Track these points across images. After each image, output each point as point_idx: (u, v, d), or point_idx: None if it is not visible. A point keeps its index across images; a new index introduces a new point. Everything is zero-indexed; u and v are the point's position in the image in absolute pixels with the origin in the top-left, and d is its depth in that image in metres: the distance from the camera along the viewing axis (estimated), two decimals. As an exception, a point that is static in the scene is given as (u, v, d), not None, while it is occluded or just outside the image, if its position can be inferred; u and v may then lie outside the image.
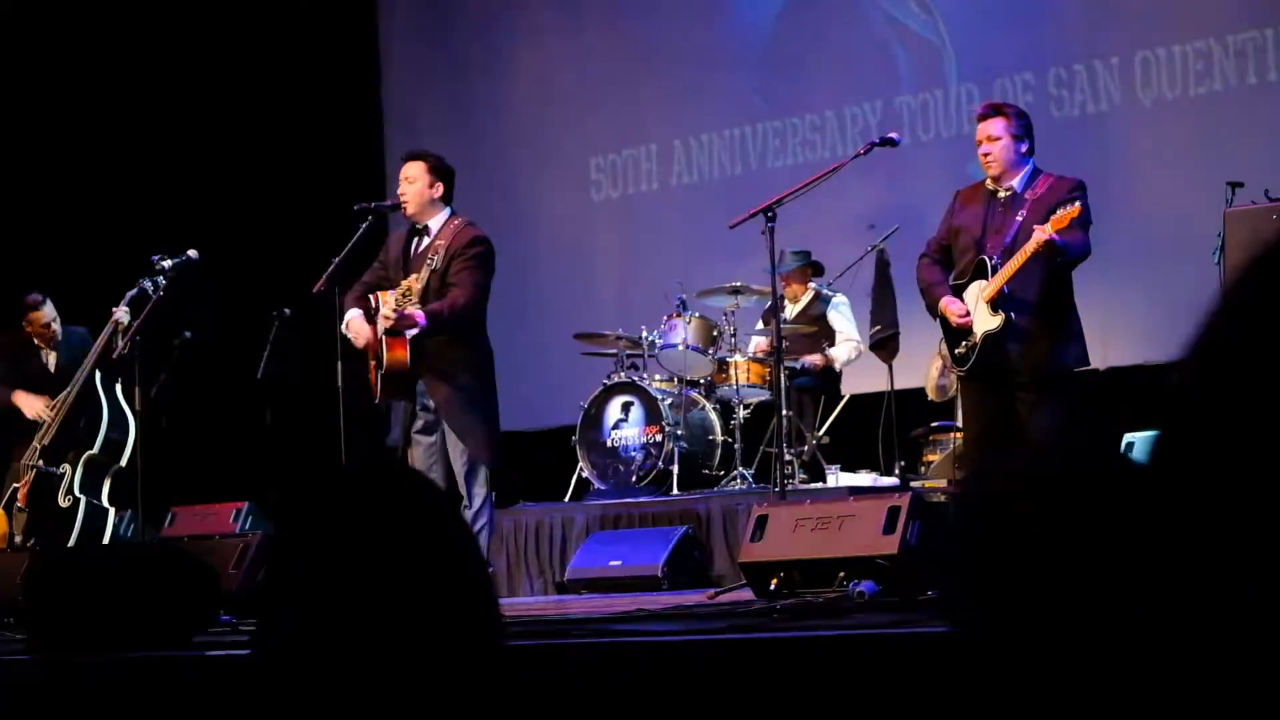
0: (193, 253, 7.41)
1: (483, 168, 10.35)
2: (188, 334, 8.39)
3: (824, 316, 9.13)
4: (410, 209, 6.51)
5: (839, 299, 9.13)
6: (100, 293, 8.32)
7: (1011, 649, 1.51)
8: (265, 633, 1.65)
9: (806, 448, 8.80)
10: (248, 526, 8.29)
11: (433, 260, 6.36)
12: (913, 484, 8.12)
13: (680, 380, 8.95)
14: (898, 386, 8.58)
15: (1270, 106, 8.91)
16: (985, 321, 6.04)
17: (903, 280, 7.99)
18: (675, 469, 8.63)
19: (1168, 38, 9.25)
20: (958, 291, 6.18)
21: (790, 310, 9.11)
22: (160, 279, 7.31)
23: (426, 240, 6.47)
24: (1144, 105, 9.34)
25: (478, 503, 6.34)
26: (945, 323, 6.22)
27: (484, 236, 6.44)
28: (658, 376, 9.06)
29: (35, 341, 8.77)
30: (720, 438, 8.83)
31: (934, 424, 8.78)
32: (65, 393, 8.23)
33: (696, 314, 8.93)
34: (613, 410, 8.90)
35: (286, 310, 8.11)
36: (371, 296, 6.35)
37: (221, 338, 10.27)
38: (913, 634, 3.73)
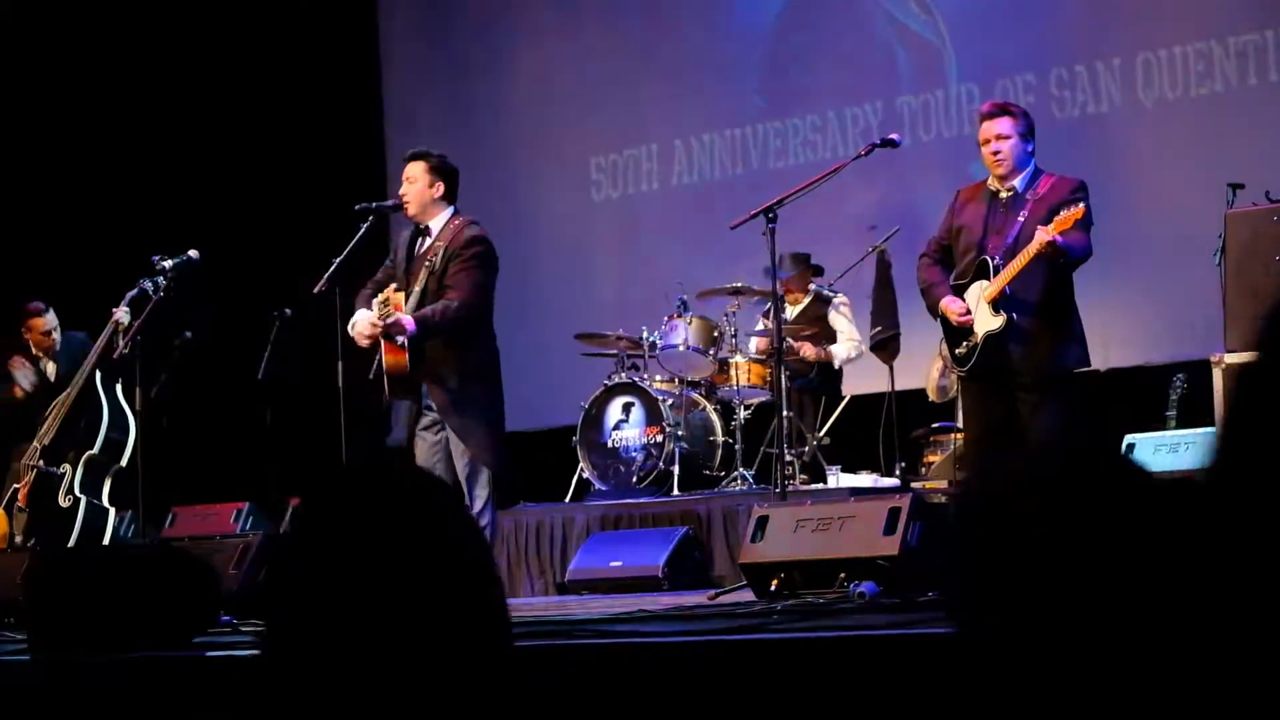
0: (193, 253, 7.41)
1: (483, 167, 10.33)
2: (188, 334, 8.39)
3: (824, 317, 9.13)
4: (411, 209, 6.50)
5: (839, 299, 9.13)
6: (100, 294, 8.32)
7: (1011, 649, 1.51)
8: (273, 633, 1.65)
9: (807, 448, 8.80)
10: (248, 526, 8.29)
11: (431, 262, 6.35)
12: (913, 485, 8.12)
13: (681, 381, 8.95)
14: (898, 387, 8.58)
15: (1271, 108, 8.91)
16: (987, 322, 6.04)
17: (903, 281, 7.99)
18: (676, 470, 8.63)
19: (1169, 39, 9.25)
20: (959, 291, 6.17)
21: (790, 311, 9.10)
22: (161, 279, 7.31)
23: (428, 241, 6.47)
24: (1145, 106, 9.34)
25: (479, 504, 6.33)
26: (946, 323, 6.21)
27: (481, 236, 6.40)
28: (658, 377, 9.06)
29: (34, 350, 8.77)
30: (721, 438, 8.83)
31: (935, 425, 8.78)
32: (66, 393, 8.22)
33: (697, 314, 8.93)
34: (613, 411, 8.90)
35: (287, 310, 8.11)
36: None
37: (221, 338, 10.27)
38: (913, 635, 3.73)
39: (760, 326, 9.03)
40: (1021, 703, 1.50)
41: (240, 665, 4.20)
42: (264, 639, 1.65)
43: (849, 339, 9.06)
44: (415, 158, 6.52)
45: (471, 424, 6.36)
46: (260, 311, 8.17)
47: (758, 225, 6.74)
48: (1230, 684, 1.41)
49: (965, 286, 6.15)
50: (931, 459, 8.81)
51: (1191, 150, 9.11)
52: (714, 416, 8.88)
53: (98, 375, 8.17)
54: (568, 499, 9.01)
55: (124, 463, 8.12)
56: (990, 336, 6.03)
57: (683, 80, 10.88)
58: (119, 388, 8.17)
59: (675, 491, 8.56)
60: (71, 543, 7.99)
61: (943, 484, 8.17)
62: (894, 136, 7.07)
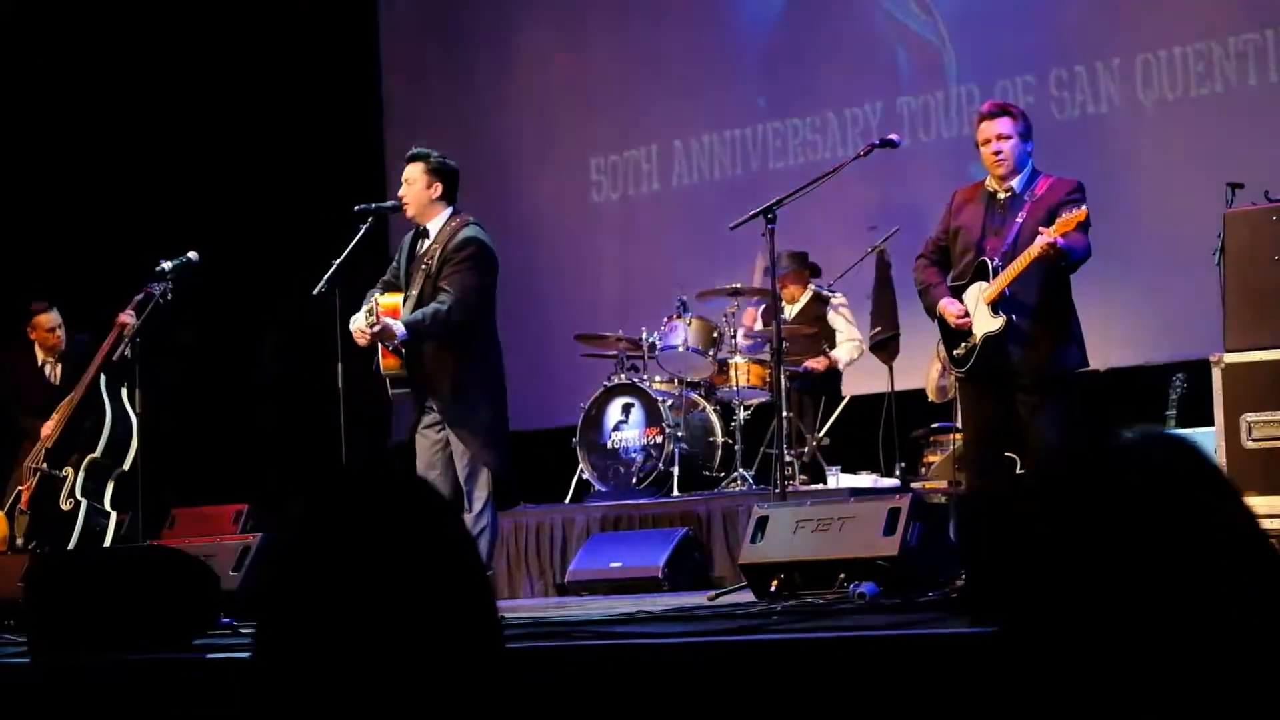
0: (192, 254, 7.41)
1: (483, 168, 10.34)
2: (188, 335, 8.39)
3: (823, 317, 9.13)
4: (410, 211, 6.50)
5: (838, 299, 9.13)
6: (101, 294, 8.33)
7: (1012, 650, 1.51)
8: (264, 635, 1.65)
9: (807, 449, 8.80)
10: (248, 528, 8.29)
11: (428, 264, 6.35)
12: (913, 485, 8.12)
13: (680, 382, 8.96)
14: (898, 388, 8.58)
15: (1270, 108, 8.91)
16: (986, 323, 6.03)
17: (903, 281, 7.99)
18: (675, 470, 8.63)
19: (1168, 39, 9.25)
20: (957, 293, 6.17)
21: (789, 310, 9.10)
22: (168, 283, 7.29)
23: (426, 243, 6.46)
24: (1144, 107, 9.34)
25: (478, 506, 6.31)
26: (943, 324, 6.21)
27: (476, 237, 6.37)
28: (658, 378, 9.07)
29: (40, 354, 8.76)
30: (720, 439, 8.83)
31: (934, 425, 8.78)
32: (70, 396, 8.22)
33: (697, 315, 8.93)
34: (613, 412, 8.90)
35: (287, 311, 8.11)
36: None
37: (221, 338, 10.28)
38: (913, 636, 3.73)
39: (760, 328, 9.01)
40: (1021, 703, 1.50)
41: (240, 667, 4.20)
42: (255, 640, 1.65)
43: (849, 339, 9.06)
44: (414, 159, 6.52)
45: (471, 425, 6.35)
46: (260, 312, 8.18)
47: (757, 226, 6.74)
48: (1230, 684, 1.41)
49: (964, 287, 6.14)
50: (931, 459, 8.81)
51: (1191, 150, 9.11)
52: (714, 417, 8.88)
53: (102, 379, 8.17)
54: (567, 500, 9.01)
55: (127, 466, 8.12)
56: (989, 338, 6.02)
57: (683, 81, 10.88)
58: (124, 391, 8.17)
59: (675, 492, 8.56)
60: (71, 546, 7.99)
61: (942, 484, 8.17)
62: (894, 137, 7.06)
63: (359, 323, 6.27)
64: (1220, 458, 5.73)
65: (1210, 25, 9.13)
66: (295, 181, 10.93)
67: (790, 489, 7.50)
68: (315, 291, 6.35)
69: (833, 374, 9.10)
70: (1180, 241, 8.52)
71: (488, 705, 1.60)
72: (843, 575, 5.53)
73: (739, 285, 8.80)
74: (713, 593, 6.36)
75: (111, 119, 10.60)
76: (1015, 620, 1.51)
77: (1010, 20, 9.76)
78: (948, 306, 6.13)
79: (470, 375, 6.37)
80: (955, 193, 6.39)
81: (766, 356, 8.58)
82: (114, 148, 10.57)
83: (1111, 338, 8.55)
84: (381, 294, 6.43)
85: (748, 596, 5.82)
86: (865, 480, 8.46)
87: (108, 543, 8.07)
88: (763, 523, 5.89)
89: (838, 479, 8.47)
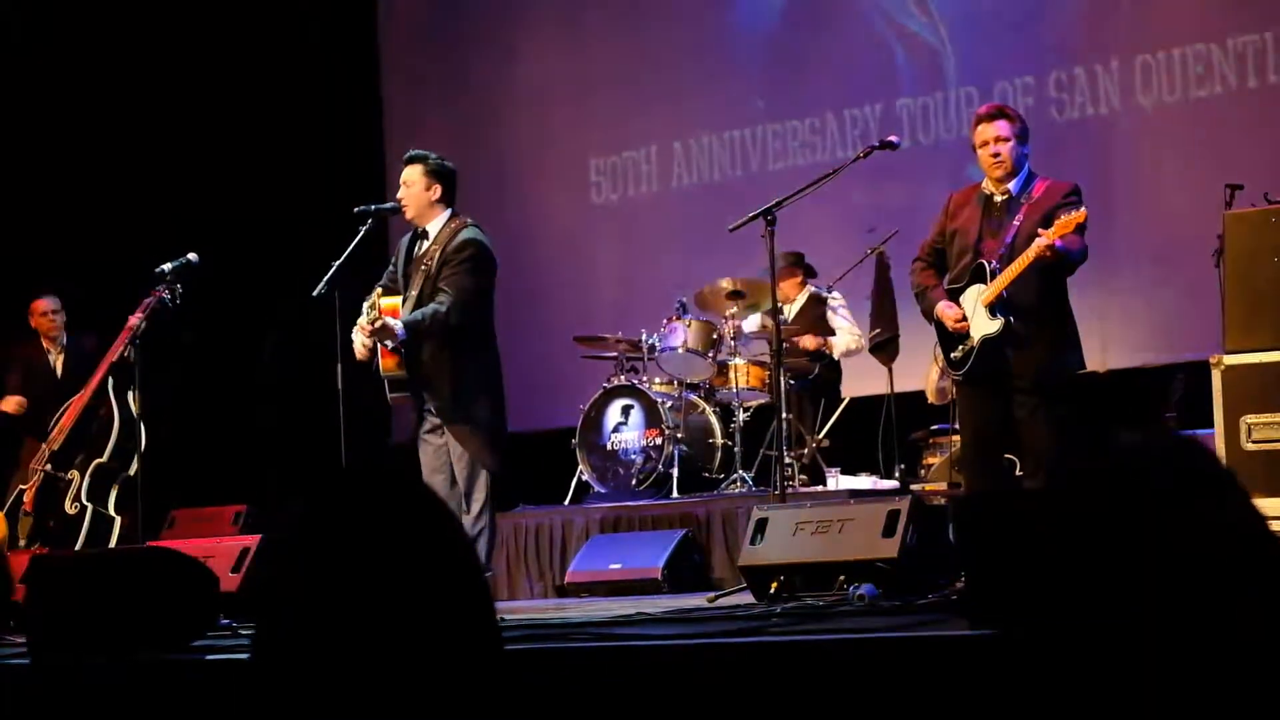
0: (192, 256, 7.41)
1: (483, 169, 10.34)
2: (189, 336, 8.39)
3: (822, 318, 9.13)
4: (410, 212, 6.51)
5: (836, 299, 9.13)
6: (102, 295, 8.32)
7: (1011, 652, 1.52)
8: (263, 636, 1.65)
9: (806, 451, 8.79)
10: (247, 529, 8.28)
11: (428, 265, 6.36)
12: (912, 487, 8.12)
13: (680, 383, 8.95)
14: (897, 389, 8.58)
15: (1270, 109, 8.91)
16: (983, 325, 6.03)
17: (903, 283, 7.98)
18: (675, 472, 8.63)
19: (1167, 41, 9.26)
20: (953, 295, 6.17)
21: (788, 311, 9.10)
22: (178, 288, 7.29)
23: (425, 244, 6.47)
24: (1144, 108, 9.34)
25: (476, 507, 6.32)
26: (940, 327, 6.21)
27: (475, 239, 6.38)
28: (657, 379, 9.06)
29: (43, 343, 8.81)
30: (720, 441, 8.83)
31: (934, 427, 8.78)
32: (77, 396, 8.21)
33: (696, 317, 8.93)
34: (613, 413, 8.90)
35: (287, 312, 8.11)
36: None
37: (222, 339, 10.27)
38: (913, 638, 3.73)
39: (759, 326, 9.01)
40: (1021, 704, 1.50)
41: (240, 669, 4.21)
42: (254, 640, 1.65)
43: (849, 333, 9.05)
44: (412, 161, 6.53)
45: (469, 427, 6.36)
46: (260, 313, 8.18)
47: (757, 228, 6.74)
48: (1229, 686, 1.41)
49: (961, 290, 6.15)
50: (931, 461, 8.81)
51: (1190, 152, 9.11)
52: (713, 419, 8.88)
53: (110, 382, 8.16)
54: (567, 501, 9.00)
55: (132, 471, 8.10)
56: (987, 340, 6.02)
57: (682, 82, 10.88)
58: (130, 394, 8.16)
59: (674, 494, 8.56)
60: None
61: (942, 486, 8.17)
62: (893, 138, 7.06)
63: (361, 320, 6.27)
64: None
65: (1209, 27, 9.13)
66: (295, 183, 10.93)
67: (790, 491, 7.50)
68: (315, 293, 6.36)
69: (832, 375, 9.09)
70: (1180, 243, 8.53)
71: (486, 707, 1.60)
72: (842, 577, 5.53)
73: (740, 287, 8.77)
74: (712, 594, 6.35)
75: (113, 120, 10.60)
76: (1014, 622, 1.52)
77: (1009, 22, 9.76)
78: (946, 310, 6.13)
79: (468, 376, 6.38)
80: (950, 196, 6.40)
81: (766, 358, 8.57)
82: (116, 149, 10.57)
83: (1111, 339, 8.56)
84: (381, 295, 6.44)
85: (747, 598, 5.82)
86: (865, 482, 8.46)
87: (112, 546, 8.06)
88: (762, 524, 5.89)
89: (837, 481, 8.47)
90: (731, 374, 8.73)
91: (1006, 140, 6.09)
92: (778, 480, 6.81)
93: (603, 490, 8.82)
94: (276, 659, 1.61)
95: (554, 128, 11.31)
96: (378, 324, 6.18)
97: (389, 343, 6.26)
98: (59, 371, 8.77)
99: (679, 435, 8.68)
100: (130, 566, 5.03)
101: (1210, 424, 5.89)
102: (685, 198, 10.87)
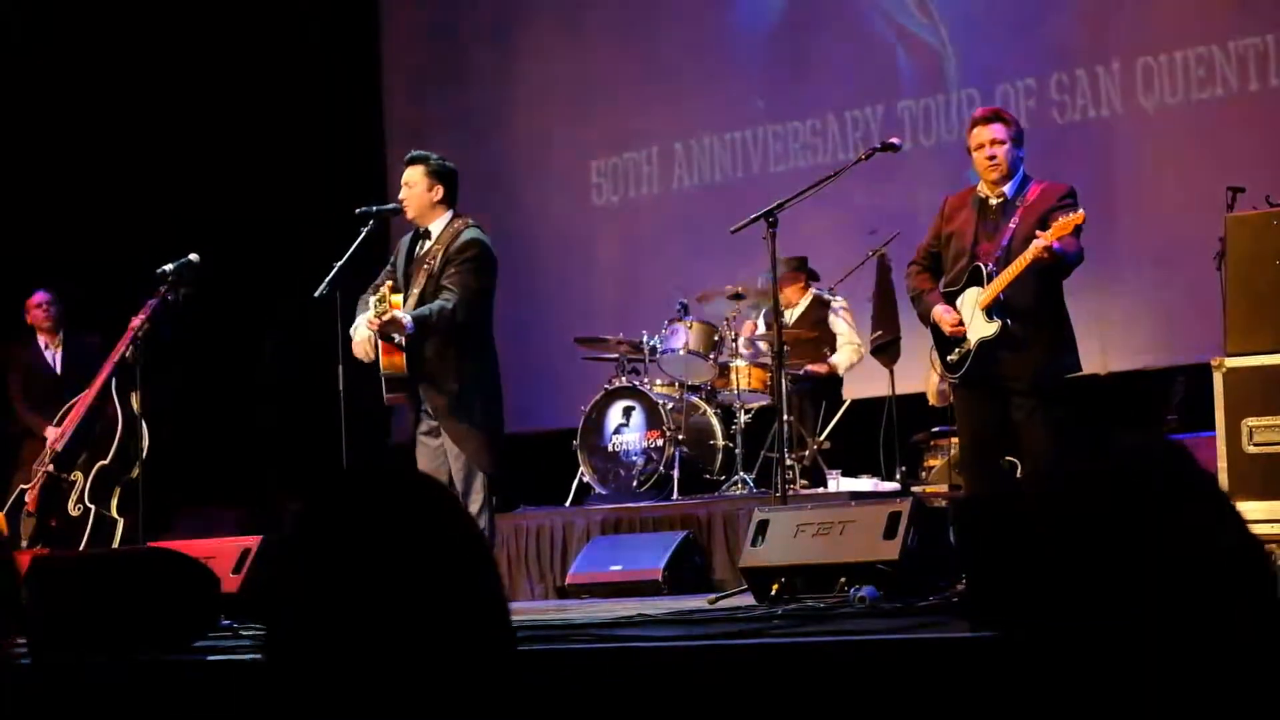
0: (193, 256, 7.41)
1: (484, 171, 10.34)
2: (189, 337, 8.38)
3: (824, 321, 9.13)
4: (411, 213, 6.51)
5: (839, 303, 9.13)
6: (104, 295, 8.32)
7: (1011, 654, 1.52)
8: (270, 637, 1.65)
9: (807, 453, 8.79)
10: (248, 530, 8.28)
11: (430, 265, 6.36)
12: (913, 489, 8.12)
13: (681, 385, 8.95)
14: (899, 391, 8.59)
15: (1271, 111, 8.92)
16: (980, 328, 6.04)
17: (904, 285, 7.99)
18: (676, 473, 8.63)
19: (1169, 43, 9.26)
20: (950, 298, 6.17)
21: (788, 315, 9.09)
22: (182, 288, 7.29)
23: (428, 244, 6.47)
24: (1145, 111, 9.34)
25: (474, 508, 6.30)
26: (937, 330, 6.22)
27: (478, 239, 6.39)
28: (659, 381, 9.07)
29: (42, 339, 8.81)
30: (721, 442, 8.83)
31: (935, 429, 8.78)
32: (80, 397, 8.20)
33: (697, 318, 8.93)
34: (614, 415, 8.90)
35: (288, 312, 8.11)
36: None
37: (222, 339, 10.28)
38: (913, 640, 3.73)
39: (761, 329, 9.01)
40: (1022, 704, 1.50)
41: (240, 669, 4.21)
42: (265, 641, 1.65)
43: (849, 343, 9.06)
44: (414, 161, 6.53)
45: (466, 428, 6.36)
46: (261, 314, 8.18)
47: (758, 229, 6.74)
48: (1229, 687, 1.41)
49: (957, 293, 6.15)
50: (932, 463, 8.81)
51: (1192, 154, 9.11)
52: (714, 420, 8.88)
53: (113, 383, 8.15)
54: (568, 503, 9.01)
55: (135, 473, 8.10)
56: (984, 343, 6.02)
57: (683, 84, 10.88)
58: (132, 395, 8.15)
59: (675, 495, 8.56)
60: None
61: (943, 488, 8.17)
62: (894, 140, 7.07)
63: (367, 316, 6.26)
64: (1221, 462, 5.73)
65: (1211, 29, 9.14)
66: (297, 184, 10.93)
67: (791, 493, 7.50)
68: (316, 293, 6.36)
69: (833, 378, 9.10)
70: (1181, 245, 8.53)
71: (498, 704, 1.60)
72: (843, 579, 5.53)
73: (741, 288, 8.78)
74: (713, 596, 6.36)
75: (115, 121, 10.61)
76: (1015, 624, 1.52)
77: (1011, 24, 9.76)
78: (943, 315, 6.13)
79: (467, 376, 6.38)
80: (945, 199, 6.39)
81: (768, 360, 8.58)
82: (117, 149, 10.57)
83: (1112, 341, 8.56)
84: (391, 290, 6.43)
85: (748, 600, 5.83)
86: (866, 484, 8.46)
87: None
88: (763, 526, 5.89)
89: (838, 483, 8.47)
90: (733, 375, 8.74)
91: (1002, 143, 6.09)
92: (779, 482, 6.81)
93: (604, 491, 8.82)
94: (286, 660, 1.61)
95: (555, 129, 11.32)
96: (386, 316, 6.16)
97: (396, 336, 6.24)
98: (58, 368, 8.77)
99: (680, 437, 8.69)
100: (131, 567, 5.03)
101: (1211, 427, 5.89)
102: (686, 199, 10.87)
